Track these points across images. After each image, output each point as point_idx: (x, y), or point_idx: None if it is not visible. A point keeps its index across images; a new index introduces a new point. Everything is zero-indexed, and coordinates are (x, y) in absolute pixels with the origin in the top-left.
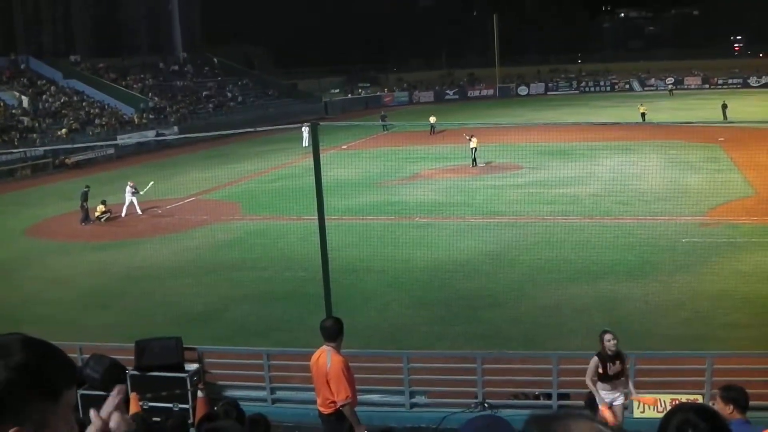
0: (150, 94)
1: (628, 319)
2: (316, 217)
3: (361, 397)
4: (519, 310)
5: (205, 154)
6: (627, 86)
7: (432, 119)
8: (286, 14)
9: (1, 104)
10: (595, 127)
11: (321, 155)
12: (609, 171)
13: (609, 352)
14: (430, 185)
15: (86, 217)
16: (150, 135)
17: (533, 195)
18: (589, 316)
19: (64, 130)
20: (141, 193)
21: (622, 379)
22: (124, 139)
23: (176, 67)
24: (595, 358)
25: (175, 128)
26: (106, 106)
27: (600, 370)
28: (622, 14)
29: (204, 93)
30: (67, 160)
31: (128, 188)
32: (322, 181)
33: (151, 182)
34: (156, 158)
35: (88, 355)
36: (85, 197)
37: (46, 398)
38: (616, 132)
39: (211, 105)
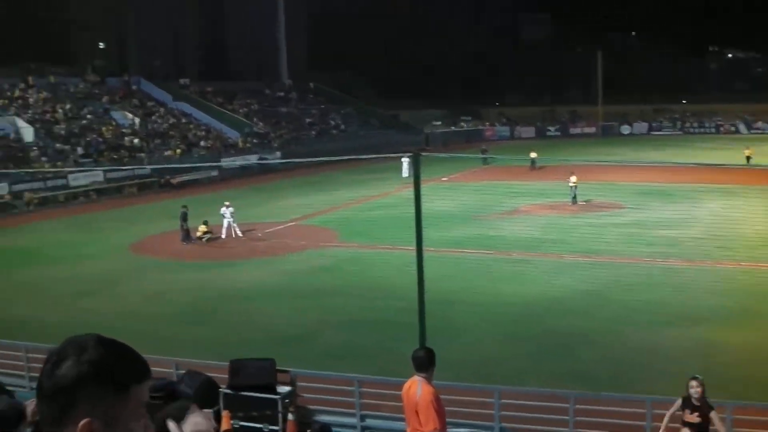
0: (254, 119)
1: (725, 367)
2: (413, 247)
3: (450, 431)
4: (612, 350)
5: (306, 180)
6: (733, 128)
7: (533, 155)
8: (389, 45)
9: (114, 123)
10: (698, 169)
11: (421, 186)
12: (711, 214)
13: (692, 399)
14: (528, 221)
15: (187, 236)
16: (253, 159)
17: (633, 235)
18: (683, 361)
19: (171, 151)
20: (226, 216)
21: None
22: (228, 162)
23: (281, 94)
24: (679, 400)
25: (278, 153)
26: (212, 129)
27: (682, 415)
28: (730, 55)
29: (307, 120)
30: (172, 180)
31: (225, 210)
32: (421, 212)
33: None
34: (258, 182)
35: (183, 371)
36: (183, 217)
37: (116, 393)
38: (721, 175)
39: (313, 132)
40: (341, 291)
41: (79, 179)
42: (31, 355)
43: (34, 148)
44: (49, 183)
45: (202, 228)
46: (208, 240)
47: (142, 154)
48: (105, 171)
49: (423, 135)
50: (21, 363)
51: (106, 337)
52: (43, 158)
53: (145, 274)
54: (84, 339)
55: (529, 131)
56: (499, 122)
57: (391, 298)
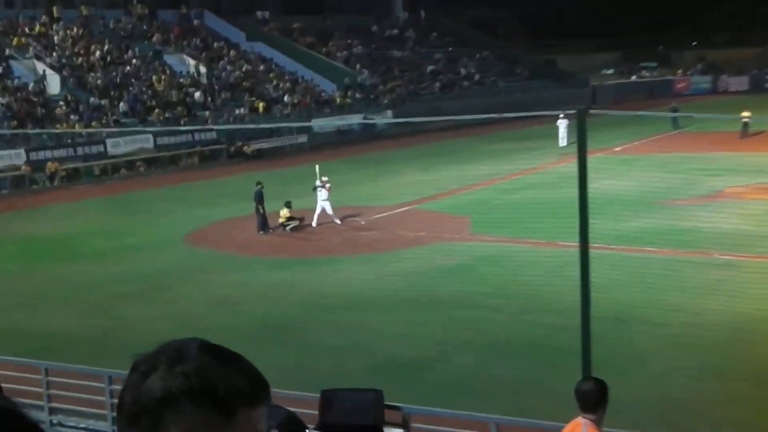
0: (358, 66)
1: None
2: (574, 243)
3: None
4: None
5: (426, 149)
6: None
7: (745, 115)
8: None
9: (167, 71)
10: None
11: (586, 159)
12: None
13: None
14: (738, 209)
15: (264, 224)
16: (355, 120)
17: None
18: None
19: (244, 109)
20: (321, 197)
21: None
22: (321, 124)
23: (394, 32)
24: None
25: (389, 113)
26: (300, 80)
27: None
28: None
29: (429, 68)
30: (245, 148)
31: (319, 188)
32: (587, 194)
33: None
34: (361, 151)
35: None
36: (259, 198)
37: (218, 417)
38: None
39: (437, 84)
40: (472, 301)
41: (121, 145)
42: (52, 378)
43: (61, 103)
44: (81, 150)
45: (285, 212)
46: (293, 229)
47: (206, 113)
48: (155, 135)
49: (589, 88)
50: (39, 390)
51: (213, 344)
52: (73, 117)
53: (207, 273)
54: (183, 344)
55: (740, 82)
56: (696, 70)
57: (541, 311)
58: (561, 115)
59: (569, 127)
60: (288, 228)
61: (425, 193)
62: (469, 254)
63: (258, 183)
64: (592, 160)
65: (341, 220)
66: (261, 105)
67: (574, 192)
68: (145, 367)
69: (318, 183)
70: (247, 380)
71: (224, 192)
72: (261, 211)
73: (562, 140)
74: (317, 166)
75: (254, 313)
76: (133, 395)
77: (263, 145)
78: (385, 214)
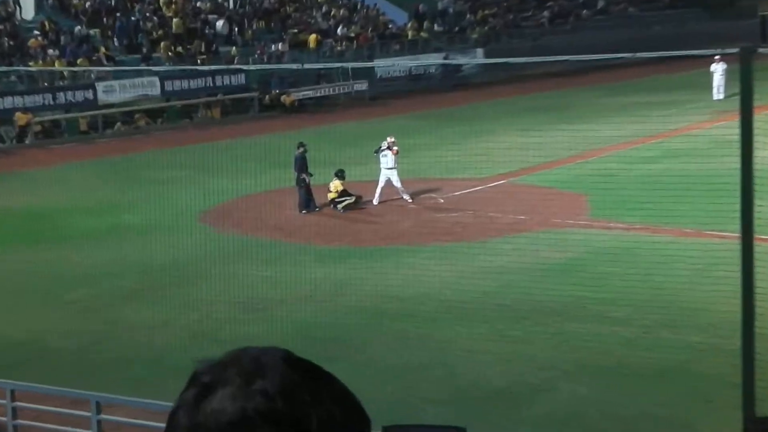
0: None
1: None
2: (735, 235)
3: None
4: None
5: (529, 102)
6: None
7: None
8: None
9: None
10: None
11: (752, 117)
12: None
13: None
14: None
15: (309, 200)
16: (433, 61)
17: None
18: None
19: (283, 45)
20: (386, 164)
21: None
22: (387, 66)
23: None
24: None
25: (479, 52)
26: (360, 6)
27: None
28: None
29: None
30: (284, 98)
31: (383, 152)
32: (753, 167)
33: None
34: (439, 104)
35: None
36: (302, 165)
37: None
38: None
39: (546, 13)
40: (589, 311)
41: (116, 91)
42: (20, 404)
43: (36, 32)
44: (63, 97)
45: (337, 185)
46: (347, 207)
47: (231, 50)
48: (163, 77)
49: (757, 19)
50: (2, 418)
51: (300, 358)
52: (52, 51)
53: (230, 265)
54: (261, 353)
55: None
56: None
57: (684, 326)
58: (716, 57)
59: (728, 73)
60: (340, 207)
61: (526, 162)
62: (585, 246)
63: (300, 145)
64: (759, 119)
65: (412, 197)
66: (307, 39)
67: (734, 163)
68: (211, 380)
69: (383, 145)
70: (344, 411)
71: (254, 156)
72: (304, 182)
73: (718, 91)
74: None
75: (292, 321)
76: (191, 417)
77: (308, 93)
78: (472, 189)
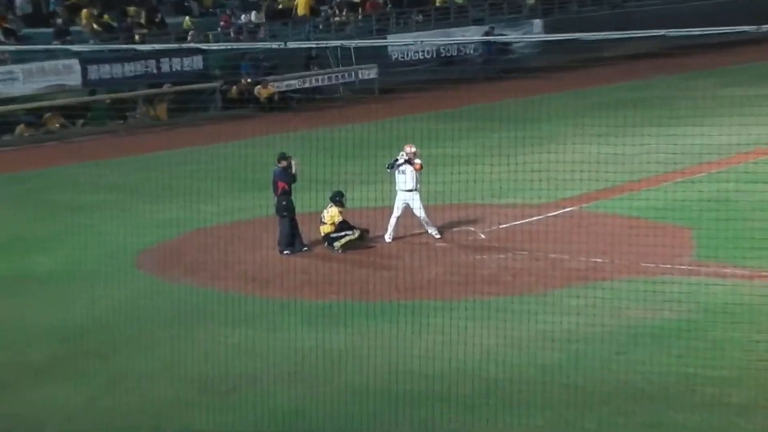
0: None
1: None
2: None
3: None
4: None
5: (603, 97)
6: None
7: None
8: None
9: None
10: None
11: None
12: None
13: None
14: None
15: (292, 236)
16: (470, 38)
17: None
18: None
19: (258, 13)
20: (404, 184)
21: None
22: (405, 43)
23: None
24: None
25: (536, 24)
26: None
27: None
28: None
29: None
30: (259, 89)
31: (400, 167)
32: None
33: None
34: (478, 98)
35: None
36: (282, 185)
37: None
38: None
39: None
40: (695, 394)
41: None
42: None
43: None
44: None
45: (333, 214)
46: (347, 246)
47: (184, 20)
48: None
49: None
50: None
51: None
52: None
53: (181, 328)
54: None
55: None
56: None
57: None
58: None
59: None
60: (338, 245)
61: (604, 182)
62: (690, 302)
63: (282, 157)
64: None
65: (441, 231)
66: (293, 7)
67: None
68: None
69: (399, 158)
70: None
71: (216, 172)
72: (286, 210)
73: None
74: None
75: (270, 408)
76: None
77: (293, 83)
78: (526, 220)
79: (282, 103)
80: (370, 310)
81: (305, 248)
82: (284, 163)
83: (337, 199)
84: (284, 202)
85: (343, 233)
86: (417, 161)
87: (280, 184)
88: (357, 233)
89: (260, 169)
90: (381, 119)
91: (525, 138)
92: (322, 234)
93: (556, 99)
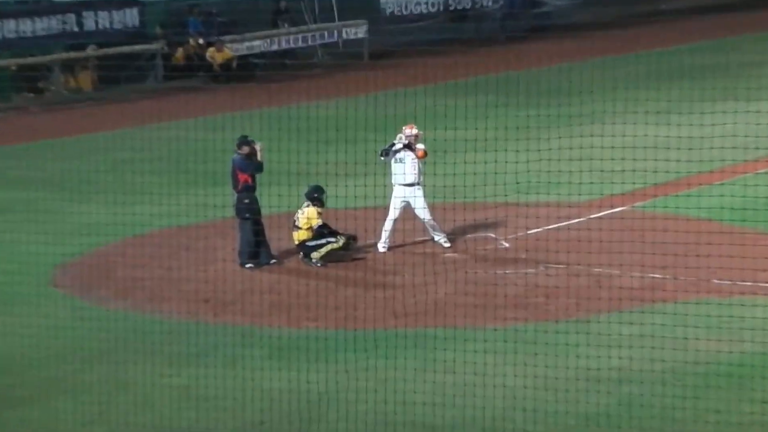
0: None
1: None
2: None
3: None
4: None
5: (662, 62)
6: None
7: None
8: None
9: None
10: None
11: None
12: None
13: None
14: None
15: (256, 244)
16: None
17: None
18: None
19: None
20: (403, 176)
21: None
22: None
23: None
24: None
25: None
26: None
27: None
28: None
29: None
30: (214, 53)
31: (397, 155)
32: None
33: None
34: (499, 64)
35: None
36: (240, 174)
37: None
38: None
39: None
40: None
41: None
42: None
43: None
44: None
45: (310, 215)
46: (327, 257)
47: None
48: None
49: None
50: None
51: None
52: None
53: (114, 364)
54: None
55: None
56: None
57: None
58: None
59: None
60: (316, 256)
61: (664, 173)
62: None
63: (243, 142)
64: None
65: (451, 238)
66: None
67: None
68: None
69: (397, 142)
70: None
71: (154, 162)
72: (249, 210)
73: None
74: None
75: None
76: None
77: (257, 45)
78: (562, 224)
79: (242, 71)
80: (359, 341)
81: (273, 260)
82: (246, 150)
83: (315, 196)
84: (246, 201)
85: (323, 241)
86: (420, 146)
87: (242, 177)
88: (341, 241)
89: (214, 158)
90: (372, 92)
91: (560, 117)
92: (296, 242)
93: (600, 65)
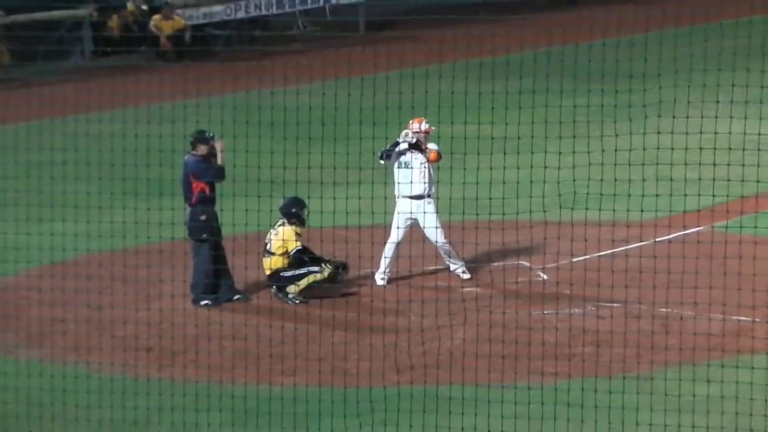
0: None
1: None
2: None
3: None
4: None
5: (753, 34)
6: None
7: None
8: None
9: None
10: None
11: None
12: None
13: None
14: None
15: (214, 275)
16: None
17: None
18: None
19: None
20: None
21: None
22: None
23: None
24: None
25: None
26: None
27: None
28: None
29: None
30: (159, 21)
31: (407, 157)
32: None
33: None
34: (529, 34)
35: None
36: (195, 182)
37: None
38: None
39: None
40: None
41: None
42: None
43: None
44: None
45: (286, 239)
46: (310, 289)
47: None
48: None
49: None
50: None
51: None
52: None
53: None
54: None
55: None
56: None
57: None
58: None
59: None
60: (294, 290)
61: (753, 183)
62: None
63: (200, 140)
64: None
65: (469, 267)
66: None
67: None
68: None
69: (402, 141)
70: None
71: (80, 164)
72: (205, 230)
73: None
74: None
75: None
76: None
77: (217, 11)
78: (617, 249)
79: (198, 45)
80: (350, 403)
81: (238, 296)
82: (203, 150)
83: (293, 212)
84: (203, 217)
85: (303, 271)
86: (432, 147)
87: (197, 186)
88: (326, 270)
89: (160, 161)
90: (369, 74)
91: (617, 108)
92: (268, 271)
93: (671, 39)
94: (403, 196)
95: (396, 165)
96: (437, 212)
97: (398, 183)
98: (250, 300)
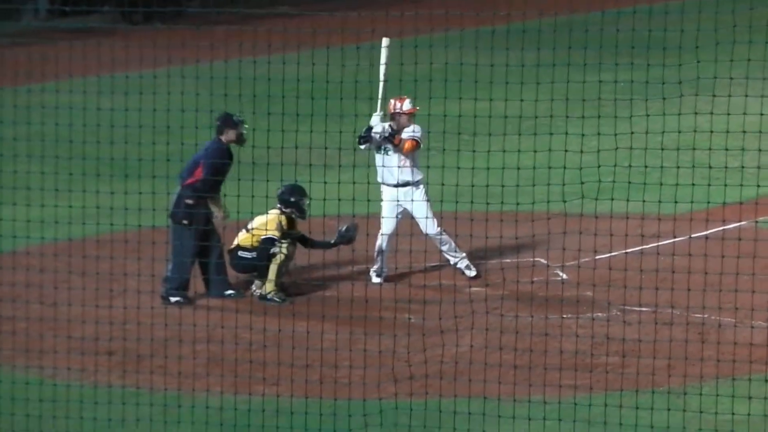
0: None
1: None
2: None
3: None
4: None
5: None
6: None
7: None
8: None
9: None
10: None
11: None
12: None
13: None
14: None
15: (183, 280)
16: None
17: None
18: None
19: None
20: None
21: None
22: None
23: None
24: None
25: None
26: None
27: None
28: None
29: None
30: None
31: (384, 136)
32: None
33: None
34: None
35: None
36: (198, 168)
37: None
38: None
39: None
40: None
41: None
42: None
43: None
44: None
45: (268, 226)
46: (278, 277)
47: None
48: None
49: None
50: None
51: None
52: None
53: None
54: None
55: None
56: None
57: None
58: None
59: None
60: (272, 294)
61: None
62: None
63: (227, 122)
64: None
65: (477, 264)
66: None
67: None
68: None
69: (376, 121)
70: None
71: (34, 139)
72: (190, 215)
73: None
74: (385, 48)
75: None
76: None
77: None
78: (648, 246)
79: (167, 4)
80: (341, 416)
81: (231, 293)
82: (231, 136)
83: (292, 201)
84: (189, 201)
85: (264, 261)
86: (406, 136)
87: (200, 171)
88: (284, 246)
89: (126, 138)
90: (366, 41)
91: (648, 84)
92: (230, 246)
93: (709, 6)
94: (387, 185)
95: (376, 151)
96: (427, 199)
97: (381, 171)
98: (243, 296)
